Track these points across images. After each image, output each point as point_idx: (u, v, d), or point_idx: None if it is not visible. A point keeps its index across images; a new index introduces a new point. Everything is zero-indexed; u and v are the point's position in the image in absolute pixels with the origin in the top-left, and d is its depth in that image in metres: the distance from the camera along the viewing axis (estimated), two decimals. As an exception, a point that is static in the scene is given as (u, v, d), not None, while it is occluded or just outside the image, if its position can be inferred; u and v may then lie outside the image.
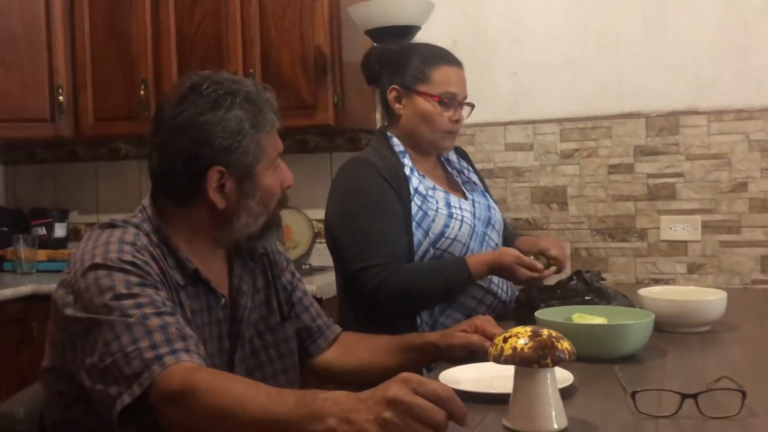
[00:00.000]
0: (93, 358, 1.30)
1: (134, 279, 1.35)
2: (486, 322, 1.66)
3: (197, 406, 1.20)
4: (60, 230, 3.69)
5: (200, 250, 1.52)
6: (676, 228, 3.11)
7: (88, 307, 1.33)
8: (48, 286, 3.00)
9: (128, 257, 1.38)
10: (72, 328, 1.35)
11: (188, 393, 1.21)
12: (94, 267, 1.36)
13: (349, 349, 1.75)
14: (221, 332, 1.54)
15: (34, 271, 3.39)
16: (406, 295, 2.02)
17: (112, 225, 1.48)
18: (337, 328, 1.78)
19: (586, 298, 1.92)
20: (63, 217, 3.73)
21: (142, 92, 3.28)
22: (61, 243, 3.67)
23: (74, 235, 3.78)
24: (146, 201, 1.54)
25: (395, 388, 1.05)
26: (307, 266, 3.40)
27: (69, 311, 1.36)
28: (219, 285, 1.55)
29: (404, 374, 1.07)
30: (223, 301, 1.54)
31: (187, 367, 1.26)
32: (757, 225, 3.02)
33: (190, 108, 1.46)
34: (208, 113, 1.45)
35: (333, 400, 1.09)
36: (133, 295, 1.33)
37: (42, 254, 3.45)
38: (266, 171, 1.51)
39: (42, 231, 3.61)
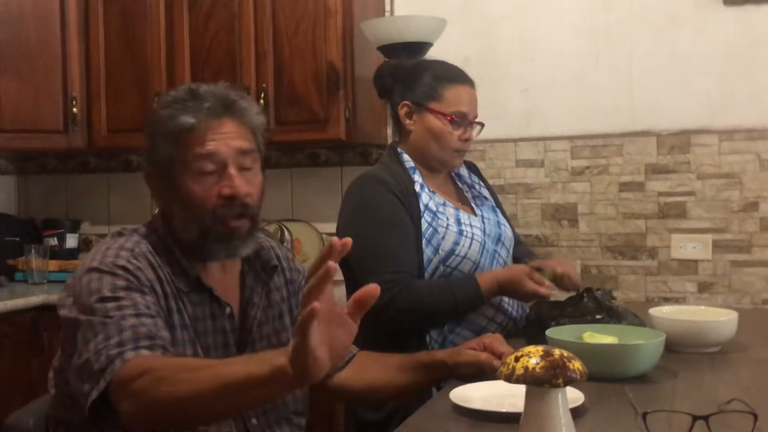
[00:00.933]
0: (74, 357, 1.35)
1: (121, 283, 1.40)
2: (495, 340, 1.66)
3: (152, 384, 1.23)
4: (72, 241, 3.70)
5: (200, 260, 1.54)
6: (687, 247, 3.10)
7: (77, 308, 1.39)
8: (59, 296, 3.01)
9: (122, 262, 1.43)
10: (65, 329, 1.41)
11: (142, 374, 1.24)
12: (90, 270, 1.42)
13: (362, 368, 1.75)
14: (227, 341, 1.54)
15: (46, 281, 3.40)
16: (416, 311, 2.02)
17: (120, 234, 1.53)
18: (354, 348, 1.77)
19: (597, 317, 1.91)
20: (75, 227, 3.74)
21: (155, 105, 3.29)
22: (73, 254, 3.68)
23: (85, 246, 3.80)
24: (158, 211, 1.58)
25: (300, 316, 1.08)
26: (317, 280, 3.39)
27: (63, 311, 1.42)
28: (226, 295, 1.56)
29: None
30: (228, 310, 1.54)
31: (144, 357, 1.30)
32: (767, 245, 3.01)
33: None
34: (150, 114, 1.54)
35: (278, 351, 1.15)
36: (117, 298, 1.37)
37: (53, 264, 3.46)
38: (183, 176, 1.46)
39: (54, 241, 3.63)
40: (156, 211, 1.58)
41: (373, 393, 1.72)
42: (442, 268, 2.07)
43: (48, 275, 3.42)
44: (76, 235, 3.75)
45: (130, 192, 3.79)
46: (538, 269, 2.03)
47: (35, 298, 3.07)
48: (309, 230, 3.50)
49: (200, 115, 1.46)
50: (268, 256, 1.64)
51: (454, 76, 2.17)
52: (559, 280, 2.05)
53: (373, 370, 1.75)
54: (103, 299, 1.37)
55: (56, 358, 1.52)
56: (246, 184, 1.48)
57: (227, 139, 1.47)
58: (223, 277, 1.57)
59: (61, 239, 3.67)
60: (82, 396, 1.32)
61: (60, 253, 3.61)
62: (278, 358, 1.12)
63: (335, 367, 1.73)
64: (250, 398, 1.20)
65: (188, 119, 1.45)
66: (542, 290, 1.98)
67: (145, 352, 1.31)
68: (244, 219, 1.49)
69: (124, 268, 1.41)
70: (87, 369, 1.31)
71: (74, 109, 3.40)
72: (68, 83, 3.41)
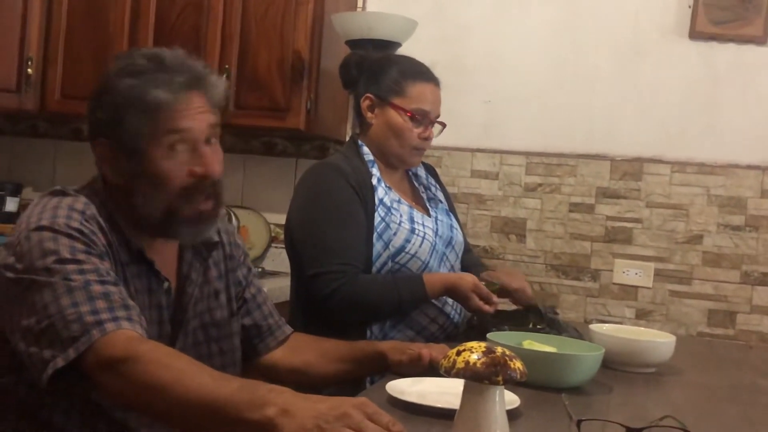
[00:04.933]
0: (30, 319, 1.27)
1: (79, 246, 1.33)
2: (440, 352, 1.64)
3: (137, 375, 1.18)
4: (11, 204, 3.59)
5: (141, 231, 1.48)
6: (629, 272, 3.14)
7: (29, 269, 1.30)
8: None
9: (76, 224, 1.35)
10: (11, 289, 1.32)
11: (129, 361, 1.20)
12: (40, 229, 1.33)
13: (297, 349, 1.73)
14: (162, 318, 1.49)
15: (-20, 242, 3.30)
16: (358, 305, 2.00)
17: (63, 192, 1.44)
18: (288, 329, 1.76)
19: (538, 327, 1.92)
20: (16, 191, 3.63)
21: (111, 71, 3.22)
22: (10, 218, 3.56)
23: (25, 211, 3.69)
24: (98, 175, 1.50)
25: (350, 406, 1.05)
26: (260, 269, 3.36)
27: (9, 272, 1.33)
28: (165, 269, 1.50)
29: (363, 399, 1.08)
30: (166, 285, 1.49)
31: (130, 335, 1.25)
32: (708, 278, 3.06)
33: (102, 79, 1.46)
34: (107, 81, 1.43)
35: (277, 392, 1.09)
36: (77, 261, 1.30)
37: (-11, 226, 3.36)
38: (155, 151, 1.40)
39: (-8, 203, 3.52)
40: (96, 175, 1.50)
41: (304, 375, 1.70)
42: (390, 264, 2.06)
43: (-17, 237, 3.32)
44: (17, 199, 3.64)
45: (77, 161, 3.68)
46: (488, 282, 2.03)
47: (-33, 258, 2.97)
48: (257, 219, 3.46)
49: (173, 89, 1.40)
50: None
51: (420, 73, 2.16)
52: (514, 294, 2.08)
53: (308, 352, 1.72)
54: (63, 261, 1.29)
55: None
56: (218, 162, 1.45)
57: (198, 113, 1.42)
58: (163, 251, 1.52)
59: (1, 202, 3.55)
60: (40, 362, 1.24)
61: (-2, 215, 3.50)
62: (268, 408, 1.06)
63: (267, 347, 1.71)
64: (225, 429, 1.14)
65: (161, 94, 1.39)
66: (485, 308, 1.99)
67: (126, 324, 1.26)
68: (211, 199, 1.45)
69: (79, 231, 1.34)
70: (51, 334, 1.24)
71: (29, 70, 3.30)
72: (25, 43, 3.31)
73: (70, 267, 1.29)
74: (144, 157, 1.41)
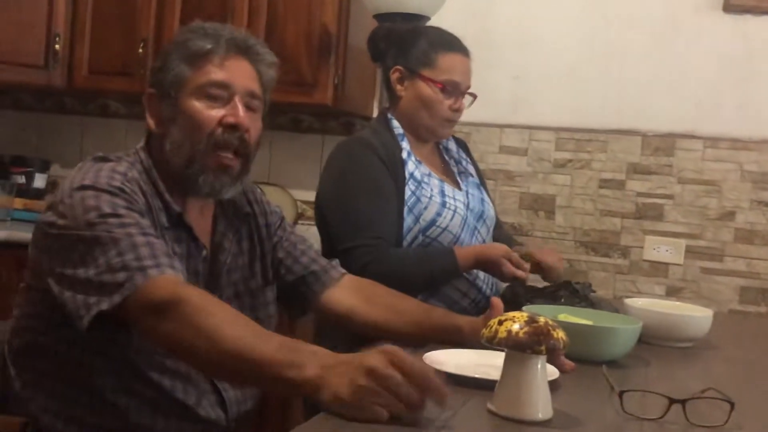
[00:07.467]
0: (76, 270, 1.30)
1: (121, 202, 1.36)
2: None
3: (183, 319, 1.21)
4: (40, 181, 3.61)
5: (182, 197, 1.52)
6: (660, 249, 3.11)
7: (72, 225, 1.34)
8: (21, 234, 2.93)
9: (117, 183, 1.39)
10: (54, 245, 1.36)
11: (177, 303, 1.23)
12: (82, 188, 1.37)
13: (373, 302, 1.72)
14: (198, 285, 1.49)
15: (9, 218, 3.31)
16: (390, 279, 1.96)
17: (105, 158, 1.48)
18: (336, 273, 1.74)
19: (574, 300, 1.90)
20: (45, 167, 3.64)
21: (140, 50, 3.22)
22: (39, 194, 3.59)
23: (53, 187, 3.71)
24: (141, 143, 1.56)
25: (374, 358, 1.06)
26: (287, 246, 3.35)
27: (52, 229, 1.36)
28: (202, 237, 1.54)
29: (387, 346, 1.08)
30: (204, 252, 1.52)
31: (176, 280, 1.28)
32: (740, 255, 3.02)
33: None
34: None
35: (314, 353, 1.11)
36: (119, 215, 1.34)
37: (18, 202, 3.36)
38: (190, 97, 1.47)
39: (21, 179, 3.52)
40: (139, 145, 1.55)
41: (377, 330, 1.69)
42: (421, 237, 2.04)
43: (12, 213, 3.33)
44: (45, 175, 3.65)
45: (105, 137, 3.71)
46: (522, 254, 2.01)
47: (-3, 234, 2.99)
48: (284, 196, 3.45)
49: (219, 42, 1.48)
50: (241, 202, 1.63)
51: (449, 43, 2.13)
52: (546, 270, 2.06)
53: (382, 308, 1.71)
54: (105, 215, 1.33)
55: (24, 280, 1.47)
56: (249, 120, 1.49)
57: (241, 76, 1.49)
58: (200, 219, 1.55)
59: (30, 178, 3.56)
60: (83, 306, 1.28)
61: (27, 191, 3.51)
62: (308, 368, 1.09)
63: (314, 293, 1.70)
64: (262, 384, 1.20)
65: (207, 44, 1.47)
66: (519, 273, 1.96)
67: (169, 271, 1.29)
68: (237, 158, 1.50)
69: (120, 189, 1.38)
70: (98, 282, 1.28)
71: (56, 46, 3.31)
72: (53, 20, 3.32)
73: (112, 221, 1.32)
74: (182, 101, 1.47)
